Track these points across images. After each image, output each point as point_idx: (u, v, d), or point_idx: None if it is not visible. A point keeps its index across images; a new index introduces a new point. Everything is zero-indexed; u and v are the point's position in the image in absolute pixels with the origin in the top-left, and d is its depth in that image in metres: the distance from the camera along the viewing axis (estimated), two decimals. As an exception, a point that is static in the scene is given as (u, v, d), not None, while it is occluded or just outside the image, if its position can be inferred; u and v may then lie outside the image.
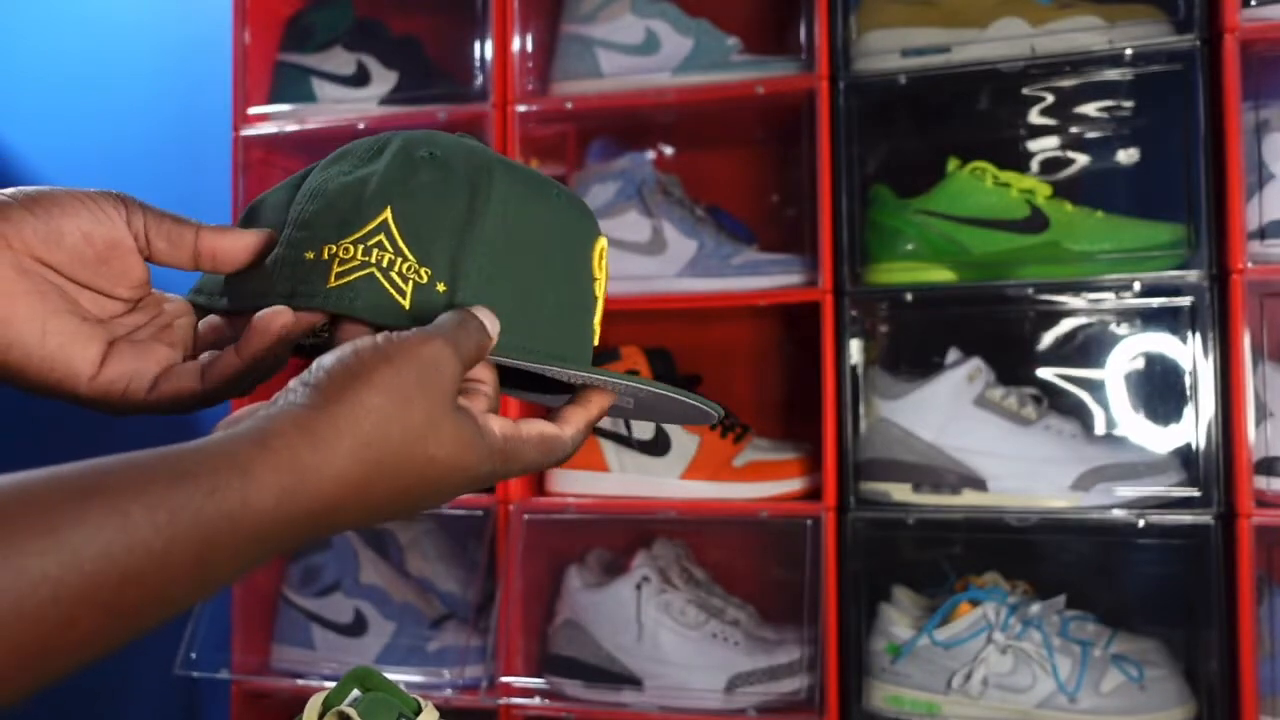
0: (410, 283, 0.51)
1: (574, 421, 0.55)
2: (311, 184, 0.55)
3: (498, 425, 0.51)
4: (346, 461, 0.44)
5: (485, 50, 1.43)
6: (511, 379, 0.59)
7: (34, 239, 0.50)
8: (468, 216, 0.53)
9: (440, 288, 0.52)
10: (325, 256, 0.52)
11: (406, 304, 0.51)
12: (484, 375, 0.53)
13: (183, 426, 1.71)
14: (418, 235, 0.52)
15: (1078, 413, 1.36)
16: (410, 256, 0.52)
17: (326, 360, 0.46)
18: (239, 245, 0.55)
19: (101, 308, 0.54)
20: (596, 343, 0.59)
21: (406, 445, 0.46)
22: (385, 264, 0.51)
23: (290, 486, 0.42)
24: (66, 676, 0.37)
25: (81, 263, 0.52)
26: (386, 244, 0.52)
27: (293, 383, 0.46)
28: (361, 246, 0.52)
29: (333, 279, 0.52)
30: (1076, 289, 1.28)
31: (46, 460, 0.39)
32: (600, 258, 0.59)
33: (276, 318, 0.52)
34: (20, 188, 0.51)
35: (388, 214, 0.52)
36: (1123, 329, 1.38)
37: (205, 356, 0.55)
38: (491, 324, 0.51)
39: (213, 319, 0.57)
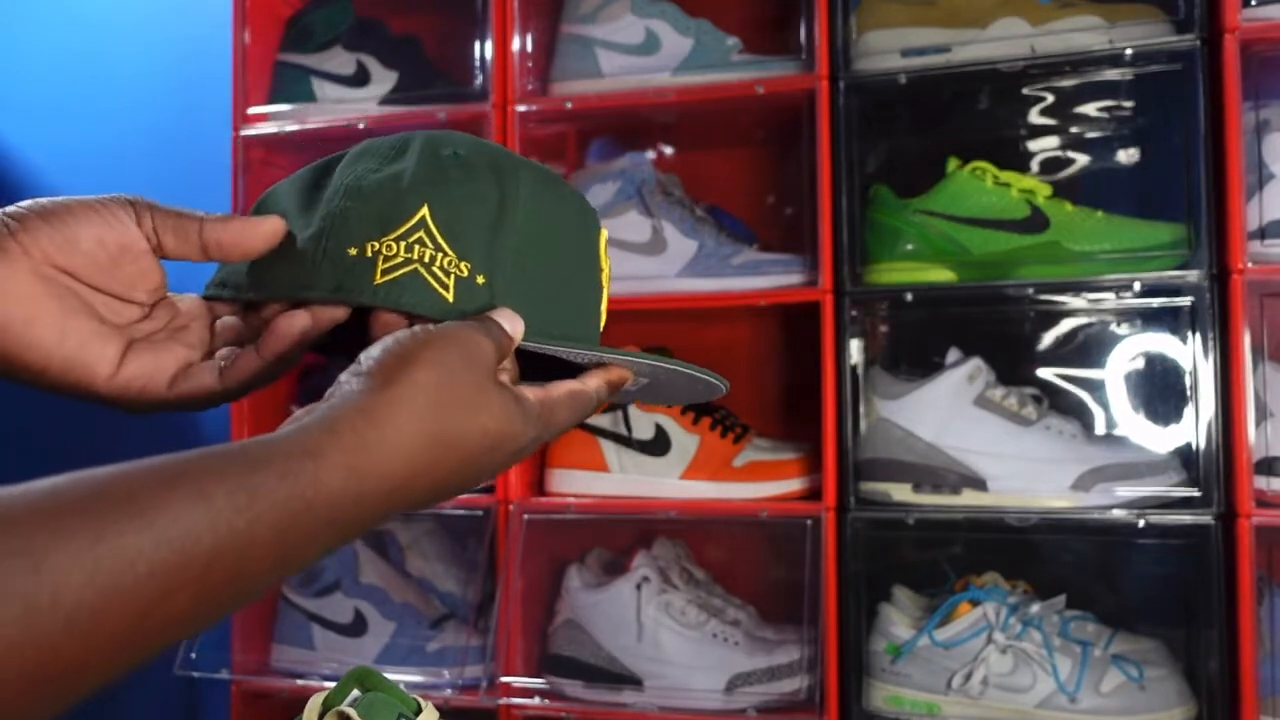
0: (452, 277, 0.54)
1: (595, 378, 0.58)
2: (341, 180, 0.57)
3: (530, 393, 0.54)
4: (407, 437, 0.47)
5: (485, 50, 1.43)
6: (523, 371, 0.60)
7: (50, 246, 0.52)
8: (499, 212, 0.56)
9: (480, 280, 0.55)
10: (369, 254, 0.54)
11: (450, 297, 0.54)
12: (505, 363, 0.55)
13: (184, 434, 1.71)
14: (455, 231, 0.55)
15: (1078, 413, 1.36)
16: (450, 251, 0.55)
17: (374, 351, 0.49)
18: (247, 234, 0.56)
19: (118, 314, 0.55)
20: (602, 327, 0.62)
21: (461, 417, 0.49)
22: (427, 259, 0.54)
23: (358, 466, 0.45)
24: (157, 655, 0.39)
25: (97, 267, 0.54)
26: (427, 240, 0.54)
27: (344, 376, 0.49)
28: (404, 243, 0.54)
29: (379, 276, 0.54)
30: (1076, 289, 1.28)
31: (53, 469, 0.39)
32: (604, 247, 0.62)
33: (297, 320, 0.55)
34: (35, 199, 0.53)
35: (425, 211, 0.55)
36: (1123, 329, 1.38)
37: (223, 354, 0.57)
38: (513, 326, 0.54)
39: (228, 318, 0.59)
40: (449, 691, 1.37)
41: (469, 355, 0.50)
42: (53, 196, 0.54)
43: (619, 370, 0.59)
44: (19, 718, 0.35)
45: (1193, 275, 1.20)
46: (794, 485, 1.36)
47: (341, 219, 0.55)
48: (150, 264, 0.55)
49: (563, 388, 0.56)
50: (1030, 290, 1.27)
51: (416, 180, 0.55)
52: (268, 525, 0.41)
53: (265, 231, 0.57)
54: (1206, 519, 1.18)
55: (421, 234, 0.54)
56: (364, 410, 0.46)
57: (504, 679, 1.35)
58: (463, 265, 0.54)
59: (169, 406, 0.55)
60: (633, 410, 1.39)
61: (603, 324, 0.62)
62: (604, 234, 0.62)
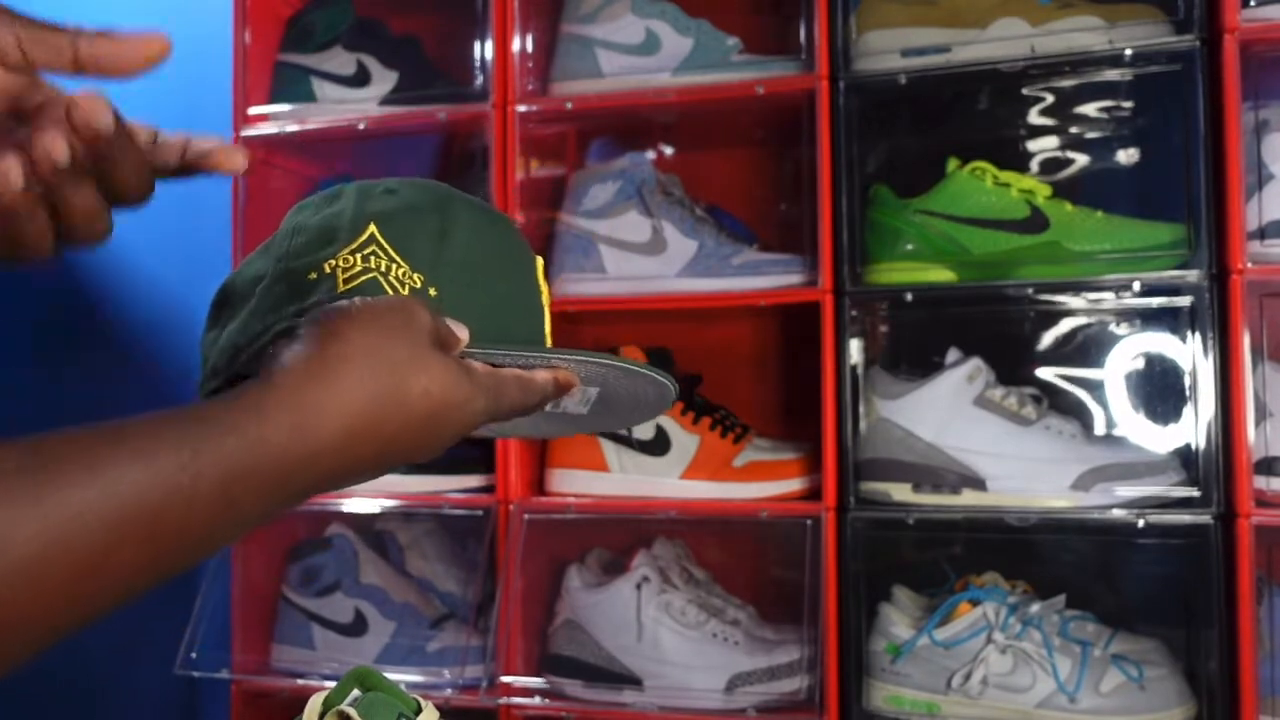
0: (407, 287, 0.57)
1: (543, 373, 0.59)
2: (286, 226, 0.60)
3: (479, 365, 0.55)
4: (348, 394, 0.48)
5: (485, 50, 1.43)
6: None
7: None
8: (441, 232, 0.59)
9: (433, 292, 0.57)
10: (329, 270, 0.57)
11: None
12: None
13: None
14: (404, 246, 0.58)
15: (1078, 413, 1.36)
16: (403, 263, 0.57)
17: (313, 315, 0.51)
18: (126, 46, 0.51)
19: None
20: (549, 345, 0.64)
21: (398, 377, 0.49)
22: (384, 269, 0.57)
23: (300, 422, 0.46)
24: (112, 608, 0.40)
25: None
26: (380, 252, 0.57)
27: (280, 344, 0.50)
28: (359, 255, 0.57)
29: (341, 285, 0.56)
30: (1076, 289, 1.28)
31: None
32: (541, 273, 0.65)
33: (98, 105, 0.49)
34: None
35: (373, 228, 0.58)
36: (1123, 329, 1.38)
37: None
38: (460, 331, 0.55)
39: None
40: (449, 691, 1.37)
41: (404, 320, 0.51)
42: None
43: (565, 372, 0.60)
44: None
45: (1192, 275, 1.20)
46: (794, 485, 1.36)
47: (296, 255, 0.58)
48: None
49: (511, 371, 0.57)
50: (1030, 290, 1.27)
51: (358, 210, 0.59)
52: (212, 481, 0.42)
53: (153, 47, 0.52)
54: (1206, 519, 1.18)
55: (374, 248, 0.57)
56: (304, 370, 0.47)
57: (504, 679, 1.35)
58: (416, 276, 0.57)
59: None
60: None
61: (548, 344, 0.64)
62: (539, 261, 0.65)
